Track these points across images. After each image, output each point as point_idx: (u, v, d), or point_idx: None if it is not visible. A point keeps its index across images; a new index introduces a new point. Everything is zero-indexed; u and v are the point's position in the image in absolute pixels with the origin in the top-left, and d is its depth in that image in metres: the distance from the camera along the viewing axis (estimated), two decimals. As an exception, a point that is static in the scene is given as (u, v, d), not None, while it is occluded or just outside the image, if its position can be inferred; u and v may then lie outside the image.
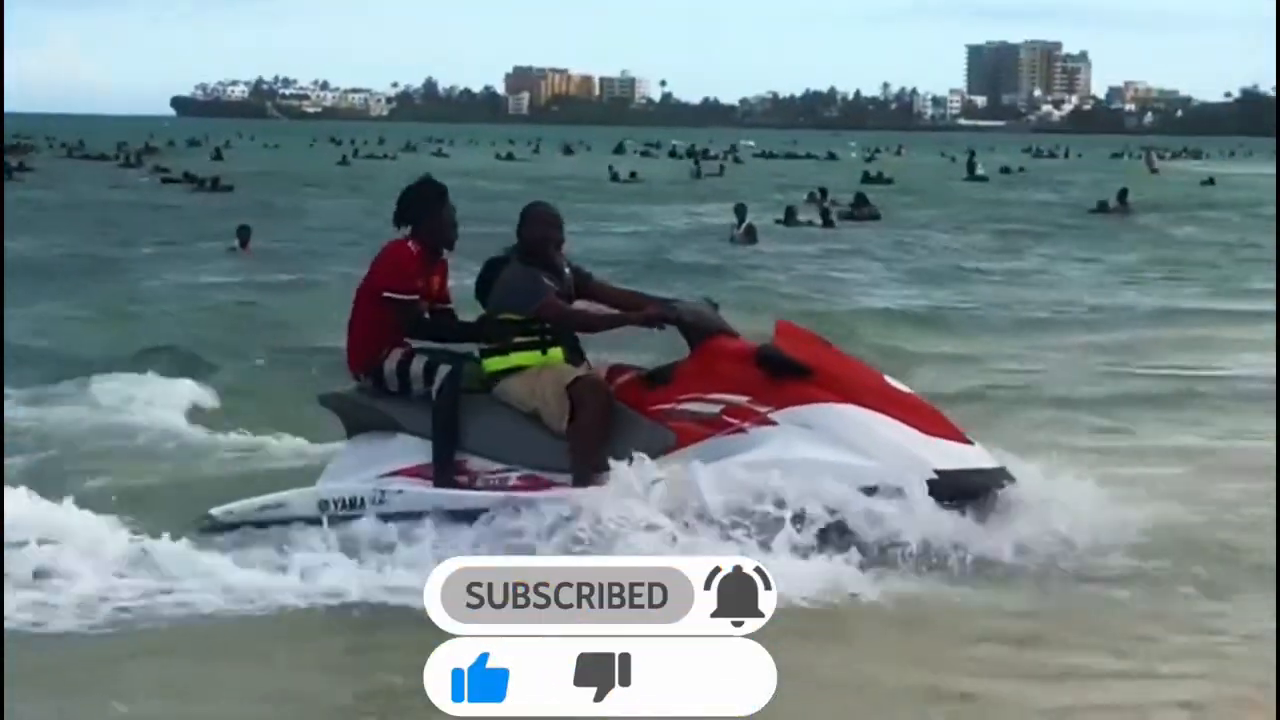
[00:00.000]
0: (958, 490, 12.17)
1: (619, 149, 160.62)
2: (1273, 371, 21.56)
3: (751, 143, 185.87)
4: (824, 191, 64.27)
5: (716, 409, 12.38)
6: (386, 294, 13.07)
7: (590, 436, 12.42)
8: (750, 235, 48.38)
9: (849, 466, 12.05)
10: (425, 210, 13.35)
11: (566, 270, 13.06)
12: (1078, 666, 10.36)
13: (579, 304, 13.04)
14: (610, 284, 13.56)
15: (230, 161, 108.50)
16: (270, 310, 30.82)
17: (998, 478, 12.43)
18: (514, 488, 12.53)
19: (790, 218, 55.61)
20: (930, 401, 13.24)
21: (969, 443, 12.61)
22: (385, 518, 12.53)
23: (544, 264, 12.85)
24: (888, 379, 12.93)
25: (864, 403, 12.34)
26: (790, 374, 12.31)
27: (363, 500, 12.69)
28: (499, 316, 12.82)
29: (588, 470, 12.34)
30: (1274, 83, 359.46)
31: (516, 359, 12.75)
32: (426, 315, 13.30)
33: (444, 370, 12.87)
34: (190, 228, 52.69)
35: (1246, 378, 23.08)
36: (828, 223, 55.71)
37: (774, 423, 12.25)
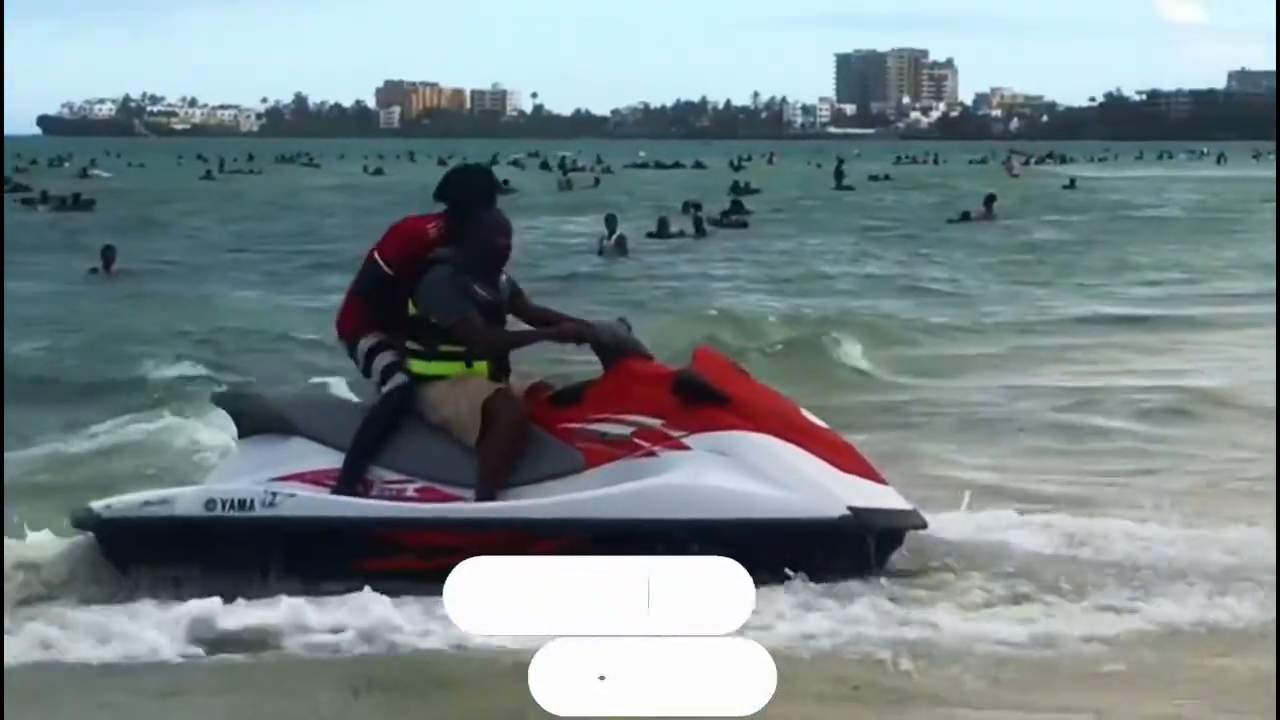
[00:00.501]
0: (869, 528, 11.82)
1: (492, 161, 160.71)
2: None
3: (642, 153, 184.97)
4: (698, 205, 64.13)
5: (628, 430, 12.01)
6: (378, 258, 12.70)
7: (500, 453, 12.06)
8: (621, 246, 48.19)
9: (761, 496, 11.71)
10: (472, 198, 12.79)
11: (504, 280, 12.60)
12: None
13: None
14: (529, 300, 12.98)
15: (95, 180, 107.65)
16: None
17: (910, 520, 12.16)
18: (411, 499, 12.17)
19: (663, 228, 55.38)
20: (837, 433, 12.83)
21: (883, 482, 12.29)
22: (275, 521, 12.08)
23: (482, 273, 12.38)
24: (804, 412, 12.58)
25: (780, 434, 11.99)
26: (707, 400, 11.94)
27: (253, 502, 12.16)
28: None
29: (492, 487, 12.00)
30: (1138, 88, 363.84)
31: (440, 368, 12.34)
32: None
33: (398, 379, 12.47)
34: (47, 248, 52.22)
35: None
36: (700, 232, 55.72)
37: (688, 447, 11.87)
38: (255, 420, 12.69)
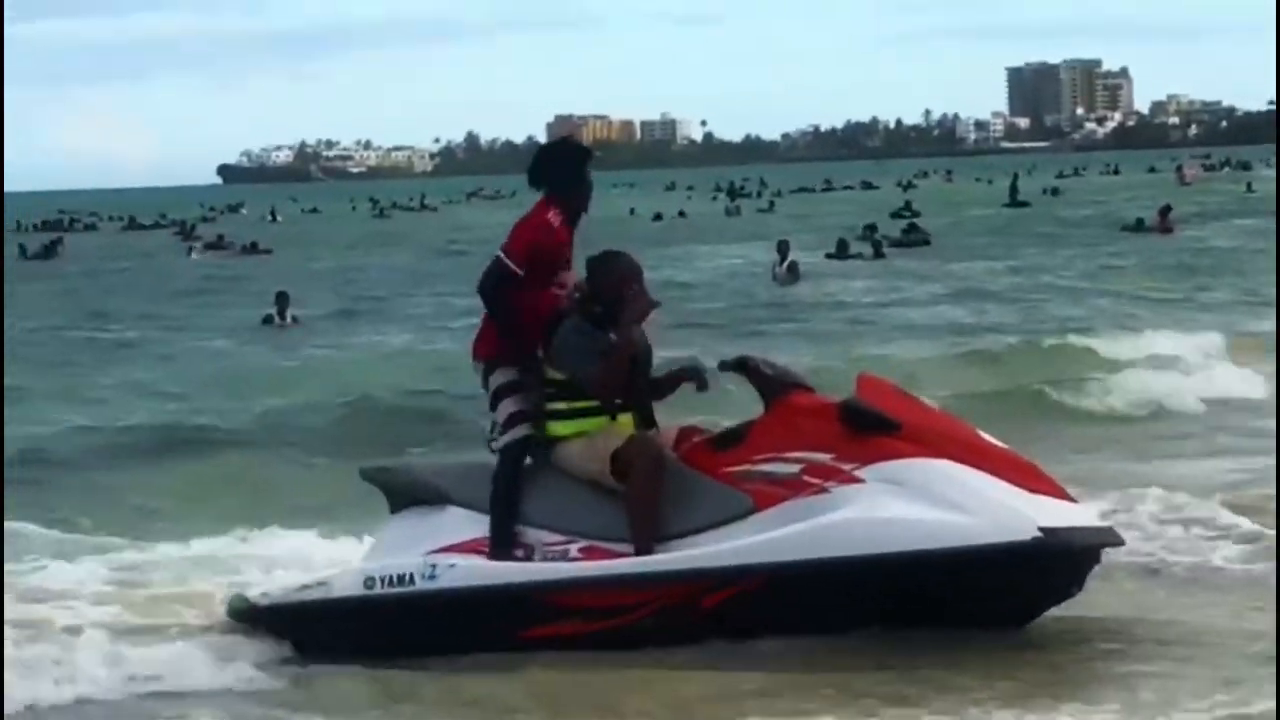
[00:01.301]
0: (1064, 550, 11.18)
1: (670, 187, 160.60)
2: None
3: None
4: (874, 226, 63.25)
5: (796, 468, 11.40)
6: (511, 266, 11.98)
7: (643, 501, 11.48)
8: (793, 272, 46.83)
9: (945, 524, 11.03)
10: (569, 170, 12.43)
11: (641, 330, 11.95)
12: None
13: None
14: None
15: (270, 225, 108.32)
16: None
17: (1106, 537, 11.58)
18: (575, 559, 11.64)
19: (842, 250, 54.74)
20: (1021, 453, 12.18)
21: (1073, 500, 11.70)
22: (436, 594, 11.66)
23: (616, 323, 11.81)
24: (981, 432, 11.95)
25: (958, 457, 11.34)
26: (876, 428, 11.32)
27: (412, 576, 11.74)
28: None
29: (647, 538, 11.44)
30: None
31: (582, 425, 11.78)
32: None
33: (518, 432, 11.97)
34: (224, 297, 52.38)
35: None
36: (879, 254, 54.95)
37: (861, 480, 11.24)
38: (407, 493, 12.22)
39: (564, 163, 12.49)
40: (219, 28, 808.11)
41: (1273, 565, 12.45)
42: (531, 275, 11.99)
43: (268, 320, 40.52)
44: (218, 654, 11.68)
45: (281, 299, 40.71)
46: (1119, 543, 11.67)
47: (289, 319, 40.13)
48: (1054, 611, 11.60)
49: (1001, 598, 11.33)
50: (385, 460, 13.05)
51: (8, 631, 11.54)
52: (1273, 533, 13.65)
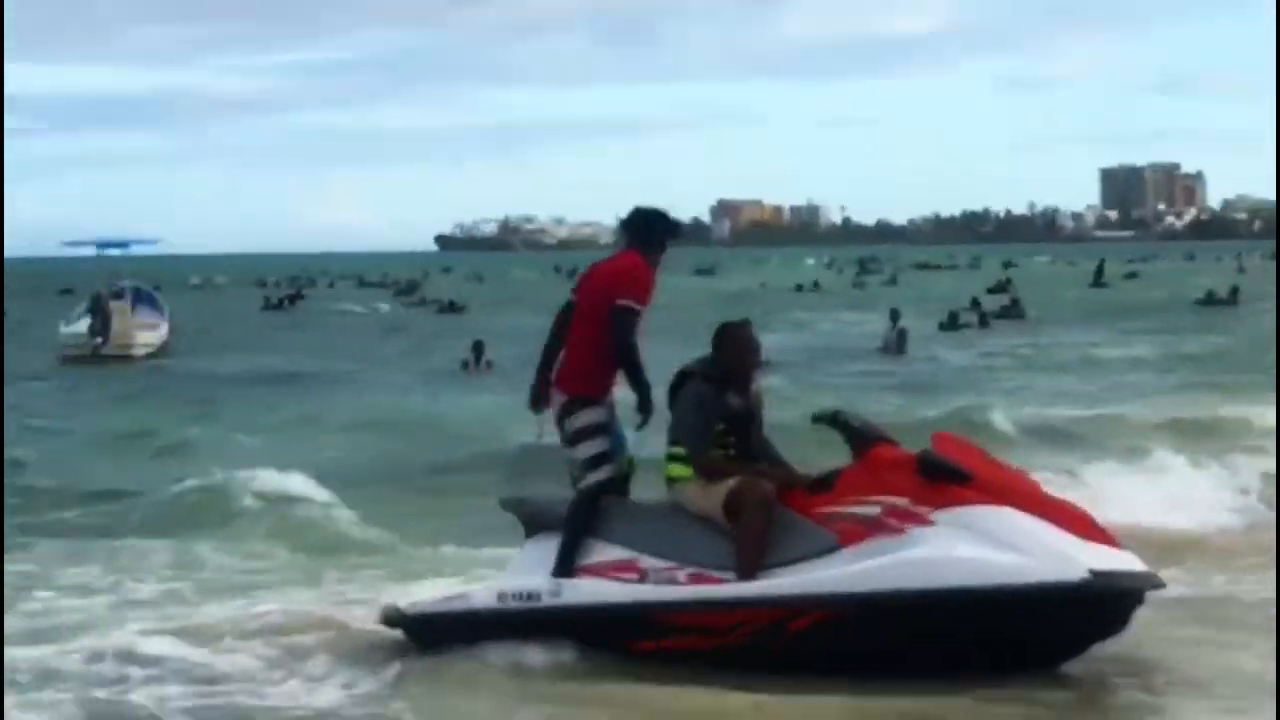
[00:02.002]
0: (1110, 591, 10.79)
1: (824, 264, 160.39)
2: None
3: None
4: (978, 301, 62.60)
5: (877, 510, 11.06)
6: (622, 302, 11.56)
7: (752, 535, 11.17)
8: (902, 338, 45.01)
9: (1005, 563, 10.70)
10: (660, 232, 12.04)
11: (755, 390, 11.69)
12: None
13: None
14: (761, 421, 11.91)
15: (474, 285, 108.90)
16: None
17: (1149, 581, 11.10)
18: (685, 583, 11.33)
19: (953, 321, 54.38)
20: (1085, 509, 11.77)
21: (1121, 548, 11.21)
22: (560, 610, 11.43)
23: (738, 384, 11.55)
24: (1044, 487, 11.68)
25: (1020, 506, 10.99)
26: (949, 478, 10.97)
27: (540, 594, 11.51)
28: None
29: (751, 568, 11.14)
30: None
31: (710, 468, 11.45)
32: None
33: (603, 473, 11.60)
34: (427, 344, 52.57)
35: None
36: (984, 324, 54.57)
37: (932, 522, 10.89)
38: (539, 521, 11.93)
39: (656, 226, 12.02)
40: (447, 122, 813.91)
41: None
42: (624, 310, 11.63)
43: (464, 365, 40.39)
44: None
45: (478, 347, 40.56)
46: (1161, 586, 11.18)
47: (484, 364, 39.91)
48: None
49: (1053, 633, 10.95)
50: (521, 492, 12.65)
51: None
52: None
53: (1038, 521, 10.87)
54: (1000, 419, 25.66)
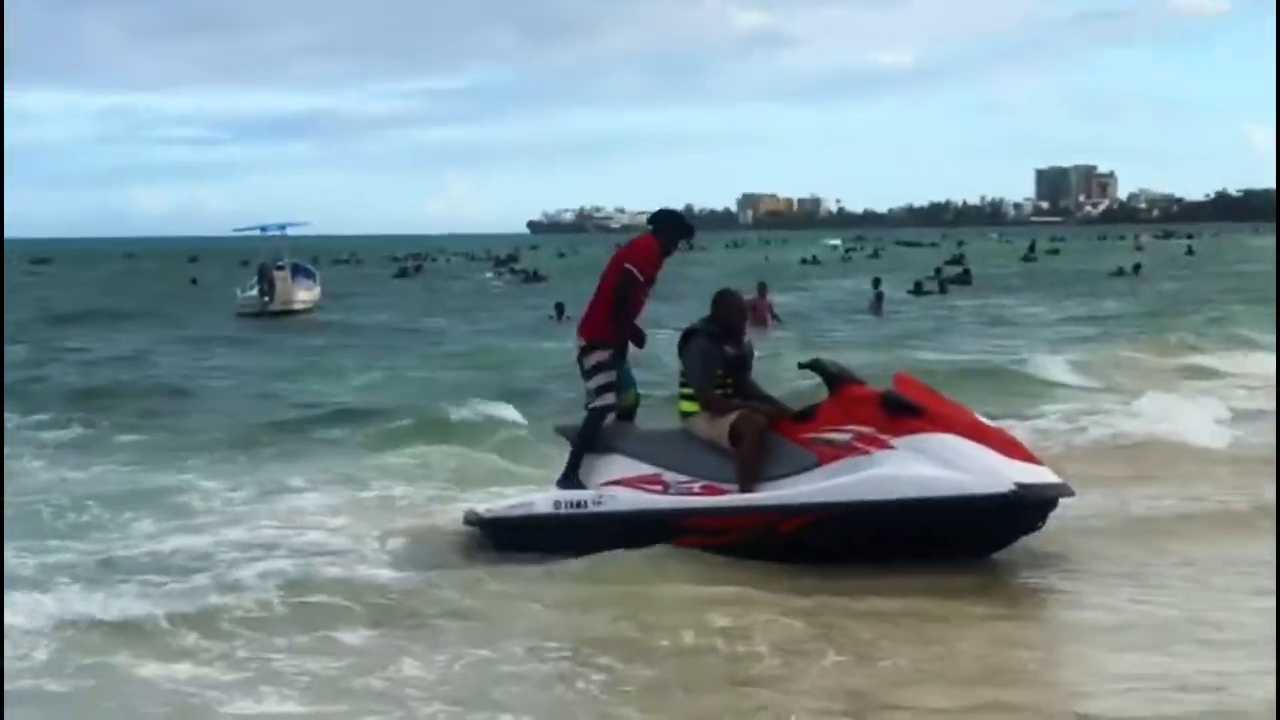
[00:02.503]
0: (1030, 499, 10.53)
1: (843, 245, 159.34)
2: None
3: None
4: (939, 270, 62.02)
5: (849, 436, 10.82)
6: (628, 266, 11.59)
7: (750, 457, 10.96)
8: (879, 301, 43.95)
9: (949, 479, 10.47)
10: (679, 231, 11.86)
11: (747, 342, 11.59)
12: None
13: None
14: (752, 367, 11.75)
15: (557, 260, 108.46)
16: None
17: (1062, 490, 10.81)
18: (697, 494, 11.13)
19: (918, 288, 53.84)
20: (1011, 432, 11.67)
21: (1041, 464, 10.97)
22: (604, 515, 11.21)
23: (734, 338, 11.40)
24: (979, 416, 11.27)
25: (961, 433, 10.72)
26: (906, 412, 10.72)
27: (587, 502, 11.34)
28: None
29: (750, 481, 10.96)
30: (1238, 186, 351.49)
31: (713, 404, 11.27)
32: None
33: (607, 399, 11.50)
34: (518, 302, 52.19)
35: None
36: (943, 290, 53.99)
37: (893, 447, 10.66)
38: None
39: (680, 225, 11.88)
40: (538, 135, 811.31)
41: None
42: (644, 284, 11.64)
43: (550, 318, 40.03)
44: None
45: (559, 306, 40.09)
46: (1071, 494, 10.88)
47: (564, 318, 39.59)
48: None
49: (985, 532, 10.75)
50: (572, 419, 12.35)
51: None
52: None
53: (975, 445, 10.60)
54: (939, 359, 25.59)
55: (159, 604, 9.65)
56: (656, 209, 12.07)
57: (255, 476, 14.97)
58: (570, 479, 11.50)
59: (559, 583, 10.40)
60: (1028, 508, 10.57)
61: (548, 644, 9.01)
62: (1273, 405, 18.02)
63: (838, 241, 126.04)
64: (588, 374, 11.58)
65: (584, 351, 11.61)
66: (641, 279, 11.60)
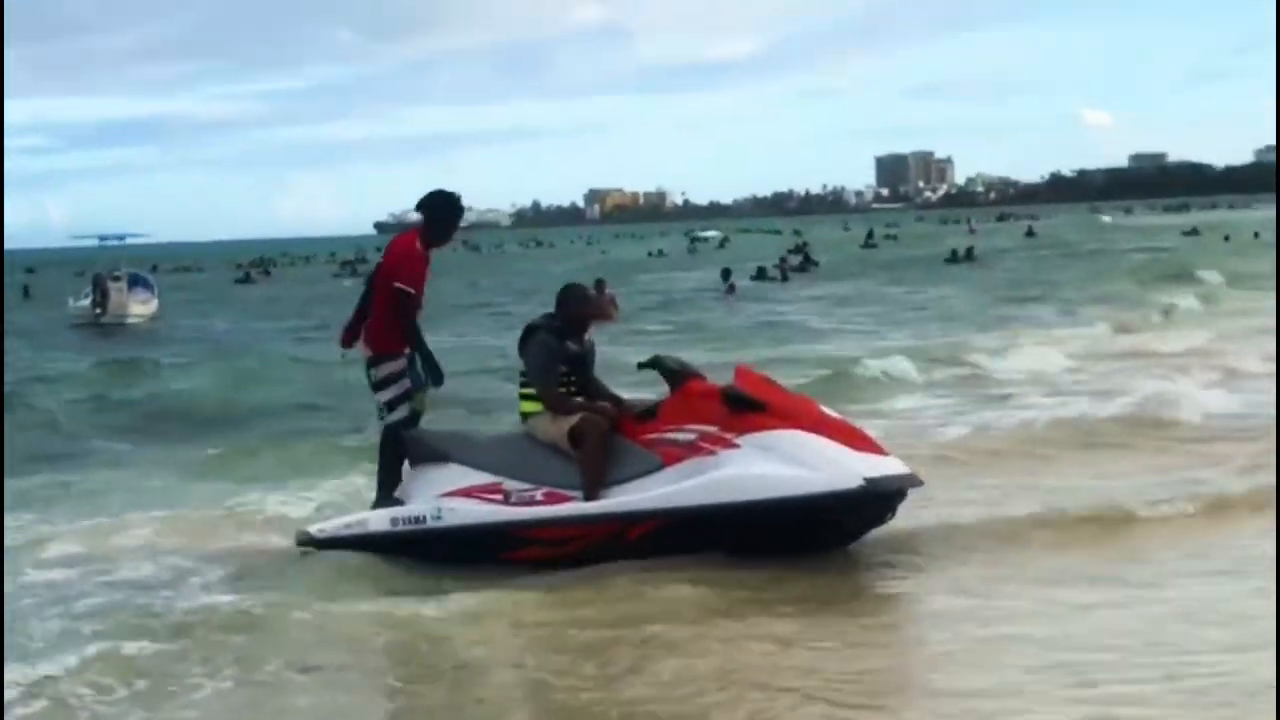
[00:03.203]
0: (879, 492, 10.20)
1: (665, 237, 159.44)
2: None
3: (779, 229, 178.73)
4: (783, 259, 62.27)
5: (693, 436, 10.38)
6: (398, 285, 10.93)
7: (593, 461, 10.47)
8: (732, 290, 45.94)
9: (797, 478, 10.08)
10: (450, 215, 11.22)
11: (588, 339, 11.01)
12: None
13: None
14: (592, 365, 11.17)
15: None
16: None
17: (911, 481, 10.48)
18: (540, 502, 10.56)
19: (761, 274, 54.15)
20: (856, 423, 11.28)
21: (887, 454, 10.62)
22: (442, 531, 10.65)
23: (577, 334, 10.87)
24: (823, 408, 10.88)
25: (806, 428, 10.32)
26: (748, 408, 10.29)
27: (425, 517, 10.71)
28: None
29: (595, 487, 10.45)
30: (1072, 167, 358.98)
31: (555, 404, 10.74)
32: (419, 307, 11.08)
33: (400, 412, 10.97)
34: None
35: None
36: (785, 277, 54.17)
37: (738, 446, 10.24)
38: (421, 452, 11.00)
39: (450, 208, 11.22)
40: (381, 134, 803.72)
41: None
42: (417, 295, 11.06)
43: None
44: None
45: None
46: (920, 484, 10.56)
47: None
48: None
49: (836, 527, 10.41)
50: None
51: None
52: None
53: (820, 439, 10.21)
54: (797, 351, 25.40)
55: None
56: (428, 193, 11.26)
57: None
58: (384, 500, 10.91)
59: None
60: (876, 501, 10.26)
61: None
62: None
63: (713, 234, 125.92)
64: (378, 386, 10.99)
65: (371, 363, 11.04)
66: (413, 293, 10.96)
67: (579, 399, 10.78)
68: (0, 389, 20.48)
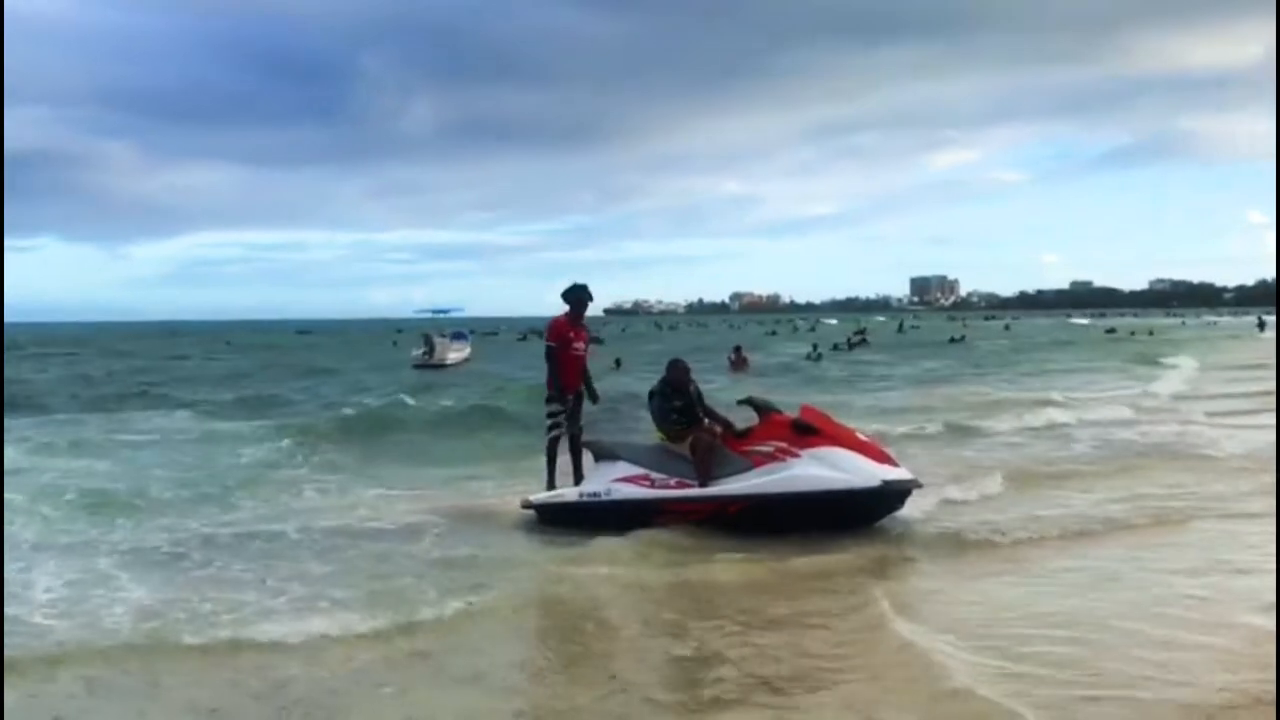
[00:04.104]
0: (892, 490, 9.60)
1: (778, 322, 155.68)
2: None
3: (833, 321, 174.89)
4: (849, 338, 60.88)
5: (771, 449, 9.83)
6: (549, 344, 10.68)
7: (703, 462, 9.96)
8: (819, 358, 41.70)
9: (838, 478, 9.54)
10: (579, 300, 10.81)
11: (692, 389, 10.42)
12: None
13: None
14: (704, 399, 10.64)
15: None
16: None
17: (914, 484, 9.80)
18: (673, 488, 10.02)
19: (835, 347, 52.75)
20: (880, 442, 10.63)
21: (898, 465, 9.94)
22: (611, 503, 10.07)
23: (680, 392, 10.32)
24: (859, 434, 10.24)
25: (846, 446, 9.75)
26: (808, 432, 9.76)
27: (600, 494, 10.20)
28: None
29: (705, 479, 9.93)
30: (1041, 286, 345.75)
31: (674, 433, 10.25)
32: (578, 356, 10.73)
33: (554, 432, 10.74)
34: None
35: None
36: (850, 349, 52.83)
37: (800, 456, 9.69)
38: (602, 452, 10.54)
39: (580, 296, 10.82)
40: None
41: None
42: (560, 348, 10.74)
43: (611, 368, 38.22)
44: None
45: (617, 361, 37.78)
46: (920, 486, 9.89)
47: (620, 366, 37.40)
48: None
49: (863, 512, 9.69)
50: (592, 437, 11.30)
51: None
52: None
53: (855, 455, 9.63)
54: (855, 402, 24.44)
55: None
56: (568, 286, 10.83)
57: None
58: (551, 483, 10.58)
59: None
60: (891, 496, 9.65)
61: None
62: None
63: (802, 321, 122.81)
64: (546, 409, 10.88)
65: (547, 398, 10.87)
66: (552, 345, 10.68)
67: (685, 428, 10.26)
68: (0, 386, 18.86)
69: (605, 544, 9.15)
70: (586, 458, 10.67)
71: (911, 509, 9.94)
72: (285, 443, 15.90)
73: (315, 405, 24.57)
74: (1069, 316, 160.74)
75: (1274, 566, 7.60)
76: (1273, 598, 6.83)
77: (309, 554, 8.97)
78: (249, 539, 9.43)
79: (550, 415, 10.79)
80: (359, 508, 11.03)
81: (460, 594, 7.60)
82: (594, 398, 10.88)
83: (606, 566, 8.52)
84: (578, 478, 10.59)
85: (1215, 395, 22.71)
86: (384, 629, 6.84)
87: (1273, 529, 8.89)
